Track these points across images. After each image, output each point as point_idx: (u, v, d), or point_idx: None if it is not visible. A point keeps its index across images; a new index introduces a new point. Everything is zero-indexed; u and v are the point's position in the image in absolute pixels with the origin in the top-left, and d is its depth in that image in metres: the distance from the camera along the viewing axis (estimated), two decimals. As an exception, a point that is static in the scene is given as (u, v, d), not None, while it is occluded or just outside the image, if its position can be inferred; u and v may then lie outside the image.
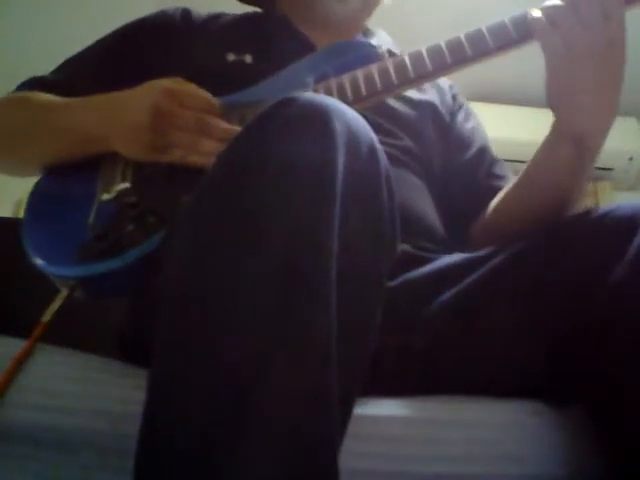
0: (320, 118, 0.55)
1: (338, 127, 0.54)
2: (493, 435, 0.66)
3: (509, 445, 0.65)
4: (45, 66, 0.97)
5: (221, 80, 0.84)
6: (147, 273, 0.71)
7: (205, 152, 0.74)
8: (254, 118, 0.57)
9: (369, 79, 0.81)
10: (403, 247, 0.77)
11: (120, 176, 0.79)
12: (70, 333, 0.76)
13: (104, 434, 0.63)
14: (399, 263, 0.68)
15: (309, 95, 0.57)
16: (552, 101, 0.77)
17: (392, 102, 0.95)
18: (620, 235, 0.65)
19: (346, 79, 0.82)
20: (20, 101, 0.90)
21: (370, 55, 0.86)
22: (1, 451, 0.63)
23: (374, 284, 0.58)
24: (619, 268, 0.63)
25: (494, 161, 1.00)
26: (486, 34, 0.79)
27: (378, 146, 0.59)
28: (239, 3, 1.08)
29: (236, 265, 0.50)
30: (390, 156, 0.65)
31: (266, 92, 0.84)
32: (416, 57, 0.81)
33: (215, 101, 0.78)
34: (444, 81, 1.06)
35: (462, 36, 0.80)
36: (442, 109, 1.02)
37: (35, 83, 0.93)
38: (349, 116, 0.57)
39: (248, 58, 0.92)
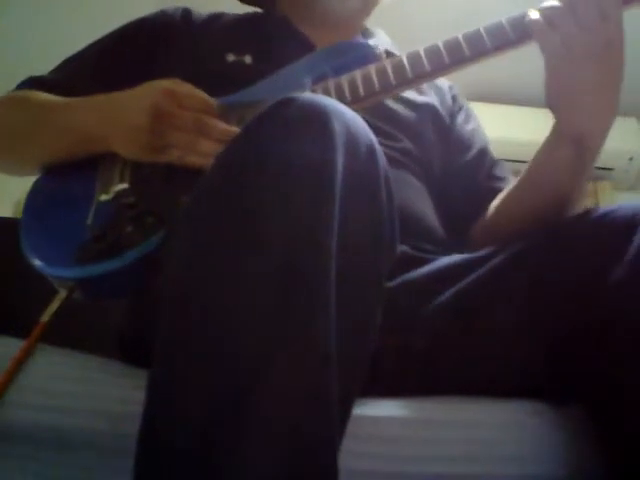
0: (319, 118, 0.55)
1: (337, 127, 0.54)
2: (493, 435, 0.66)
3: (509, 445, 0.65)
4: (45, 66, 0.97)
5: (221, 80, 0.84)
6: (146, 274, 0.71)
7: (203, 152, 0.75)
8: (253, 119, 0.57)
9: (367, 79, 0.81)
10: (402, 248, 0.77)
11: (118, 177, 0.79)
12: (70, 333, 0.76)
13: (104, 434, 0.63)
14: (398, 264, 0.68)
15: (308, 95, 0.57)
16: (551, 101, 0.78)
17: (391, 104, 0.95)
18: (620, 235, 0.65)
19: (344, 80, 0.82)
20: (20, 101, 0.90)
21: (368, 56, 0.86)
22: (1, 451, 0.63)
23: (373, 284, 0.58)
24: (619, 268, 0.63)
25: (494, 163, 1.00)
26: (484, 34, 0.79)
27: (377, 147, 0.59)
28: (239, 3, 1.08)
29: (236, 265, 0.50)
30: (389, 158, 0.65)
31: (264, 93, 0.84)
32: (414, 57, 0.81)
33: (213, 102, 0.78)
34: (444, 82, 1.06)
35: (460, 36, 0.80)
36: (442, 111, 1.02)
37: (34, 83, 0.93)
38: (348, 117, 0.57)
39: (248, 59, 0.92)
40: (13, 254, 0.76)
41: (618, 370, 0.62)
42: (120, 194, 0.77)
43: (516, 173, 0.89)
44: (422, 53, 0.81)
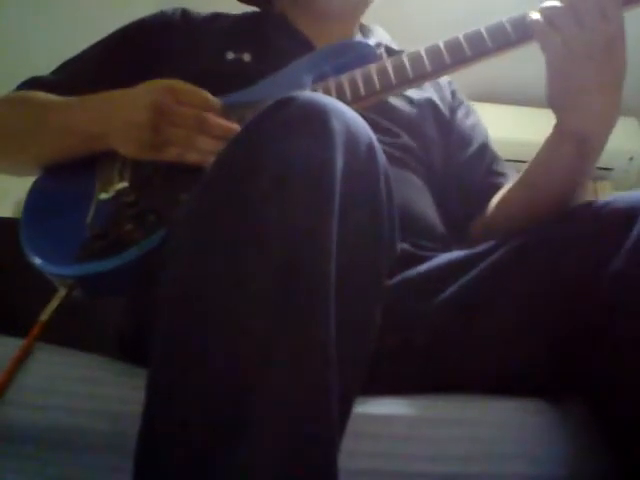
0: (319, 117, 0.55)
1: (337, 126, 0.54)
2: (494, 433, 0.66)
3: (509, 444, 0.65)
4: (45, 66, 0.97)
5: (220, 79, 0.84)
6: (146, 272, 0.71)
7: (203, 150, 0.75)
8: (253, 118, 0.57)
9: (368, 79, 0.81)
10: (402, 246, 0.77)
11: (118, 175, 0.79)
12: (69, 332, 0.76)
13: (104, 434, 0.63)
14: (398, 262, 0.68)
15: (308, 94, 0.57)
16: (553, 102, 0.78)
17: (392, 100, 0.95)
18: (619, 226, 0.65)
19: (345, 79, 0.82)
20: (19, 101, 0.90)
21: (369, 55, 0.86)
22: (1, 451, 0.63)
23: (373, 283, 0.58)
24: (618, 259, 0.63)
25: (494, 158, 1.00)
26: (485, 35, 0.79)
27: (377, 145, 0.59)
28: (238, 3, 1.09)
29: (235, 265, 0.50)
30: (389, 155, 0.65)
31: (265, 92, 0.84)
32: (415, 57, 0.81)
33: (214, 100, 0.78)
34: (442, 78, 1.06)
35: (461, 36, 0.80)
36: (442, 106, 1.02)
37: (35, 83, 0.93)
38: (348, 115, 0.57)
39: (247, 56, 0.92)
40: (13, 253, 0.76)
41: (618, 369, 0.62)
42: (120, 192, 0.77)
43: (517, 173, 0.89)
44: (423, 53, 0.81)
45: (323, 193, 0.52)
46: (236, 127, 0.75)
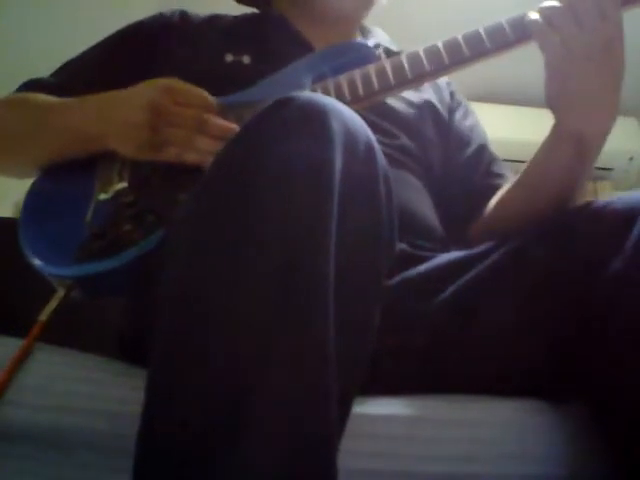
0: (318, 117, 0.55)
1: (336, 126, 0.54)
2: (494, 434, 0.66)
3: (510, 444, 0.65)
4: (45, 66, 0.97)
5: (219, 81, 0.84)
6: (145, 272, 0.71)
7: (201, 150, 0.75)
8: (252, 118, 0.57)
9: (366, 79, 0.81)
10: (401, 246, 0.77)
11: (117, 176, 0.79)
12: (69, 332, 0.76)
13: (104, 434, 0.63)
14: (397, 262, 0.68)
15: (307, 94, 0.57)
16: (551, 102, 0.78)
17: (390, 101, 0.95)
18: (619, 227, 0.65)
19: (343, 80, 0.82)
20: (18, 102, 0.91)
21: (368, 56, 0.86)
22: (1, 451, 0.63)
23: (373, 283, 0.58)
24: (618, 260, 0.63)
25: (493, 159, 1.00)
26: (483, 35, 0.79)
27: (376, 145, 0.59)
28: (237, 5, 1.08)
29: (235, 265, 0.50)
30: (388, 156, 0.65)
31: (264, 93, 0.84)
32: (413, 58, 0.81)
33: (212, 100, 0.78)
34: (441, 78, 1.06)
35: (459, 37, 0.80)
36: (440, 107, 1.02)
37: (34, 85, 0.94)
38: (347, 115, 0.57)
39: (246, 59, 0.92)
40: (13, 254, 0.76)
41: (618, 370, 0.62)
42: (119, 193, 0.77)
43: (516, 173, 0.89)
44: (422, 53, 0.81)
45: (322, 193, 0.52)
46: (235, 127, 0.75)
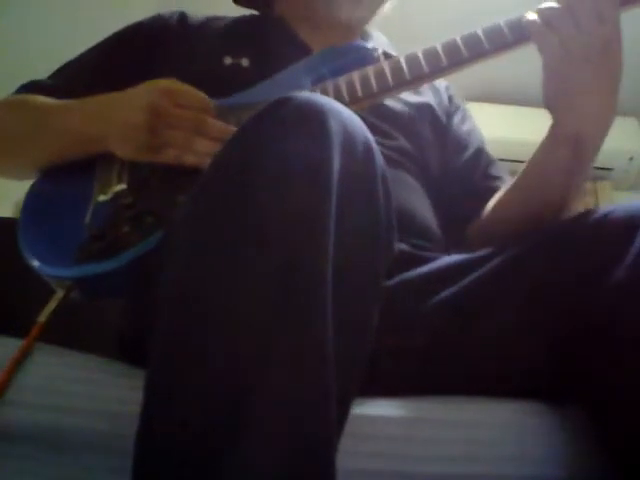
0: (316, 117, 0.55)
1: (334, 126, 0.54)
2: (493, 435, 0.66)
3: (509, 445, 0.65)
4: (45, 67, 0.97)
5: (218, 84, 0.84)
6: (144, 273, 0.71)
7: (200, 152, 0.75)
8: (250, 118, 0.57)
9: (365, 81, 0.81)
10: (400, 247, 0.77)
11: (116, 177, 0.79)
12: (69, 333, 0.76)
13: (104, 434, 0.63)
14: (396, 263, 0.68)
15: (305, 95, 0.57)
16: (549, 102, 0.78)
17: (388, 103, 0.95)
18: (620, 236, 0.65)
19: (342, 81, 0.82)
20: (17, 104, 0.91)
21: (366, 58, 0.86)
22: (1, 451, 0.63)
23: (371, 283, 0.58)
24: (619, 270, 0.63)
25: (490, 162, 1.00)
26: (482, 37, 0.79)
27: (374, 145, 0.59)
28: (236, 6, 1.08)
29: (234, 265, 0.50)
30: (386, 156, 0.65)
31: (263, 94, 0.84)
32: (412, 59, 0.81)
33: (211, 102, 0.78)
34: (440, 82, 1.07)
35: (458, 38, 0.81)
36: (439, 110, 1.02)
37: (33, 87, 0.94)
38: (345, 115, 0.57)
39: (245, 62, 0.92)
40: (12, 254, 0.76)
41: (618, 370, 0.62)
42: (118, 194, 0.77)
43: (515, 173, 0.89)
44: (420, 55, 0.81)
45: (320, 193, 0.52)
46: (233, 129, 0.75)
